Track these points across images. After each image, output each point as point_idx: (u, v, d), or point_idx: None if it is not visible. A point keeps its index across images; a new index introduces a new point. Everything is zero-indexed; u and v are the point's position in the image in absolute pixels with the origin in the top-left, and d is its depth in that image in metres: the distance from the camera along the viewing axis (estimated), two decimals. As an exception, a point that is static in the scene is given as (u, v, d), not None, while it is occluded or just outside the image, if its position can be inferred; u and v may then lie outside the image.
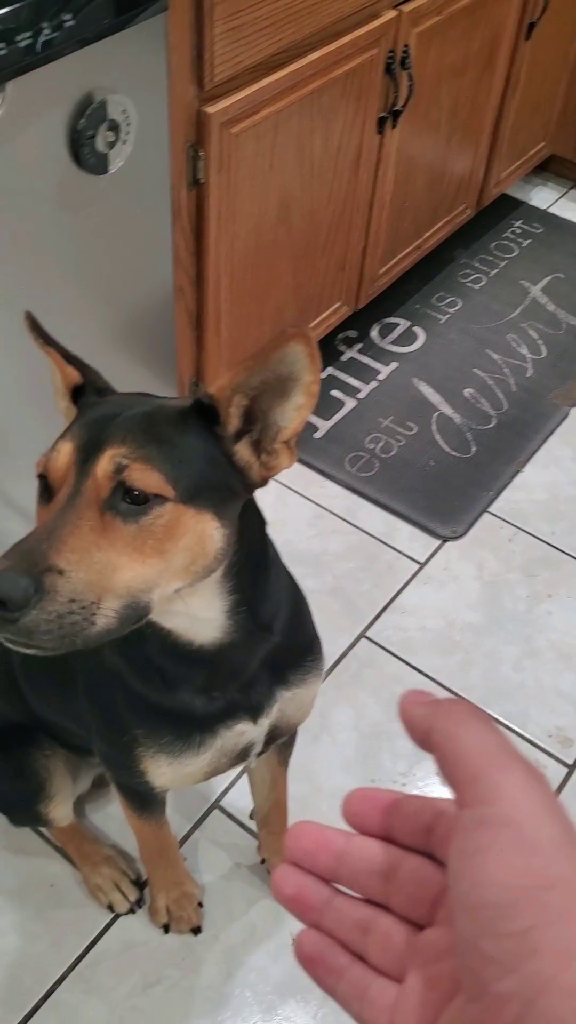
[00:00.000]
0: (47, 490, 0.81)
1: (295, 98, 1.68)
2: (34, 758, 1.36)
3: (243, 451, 0.85)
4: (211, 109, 1.52)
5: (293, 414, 0.83)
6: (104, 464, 0.77)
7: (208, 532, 0.82)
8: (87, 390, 0.90)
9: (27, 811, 1.41)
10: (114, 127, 1.34)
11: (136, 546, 0.77)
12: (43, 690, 1.28)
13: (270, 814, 1.44)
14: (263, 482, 0.87)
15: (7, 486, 1.55)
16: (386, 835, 0.42)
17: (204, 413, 0.83)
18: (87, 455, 0.78)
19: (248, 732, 1.06)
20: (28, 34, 1.13)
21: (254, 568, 0.94)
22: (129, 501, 0.77)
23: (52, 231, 1.38)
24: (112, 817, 1.58)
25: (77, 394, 0.90)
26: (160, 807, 1.27)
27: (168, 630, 0.94)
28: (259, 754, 1.15)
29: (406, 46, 1.92)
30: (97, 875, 1.48)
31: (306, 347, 0.78)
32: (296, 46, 1.64)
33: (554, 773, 1.69)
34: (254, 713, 1.05)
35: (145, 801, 1.23)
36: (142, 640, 0.96)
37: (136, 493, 0.77)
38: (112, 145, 1.36)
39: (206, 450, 0.83)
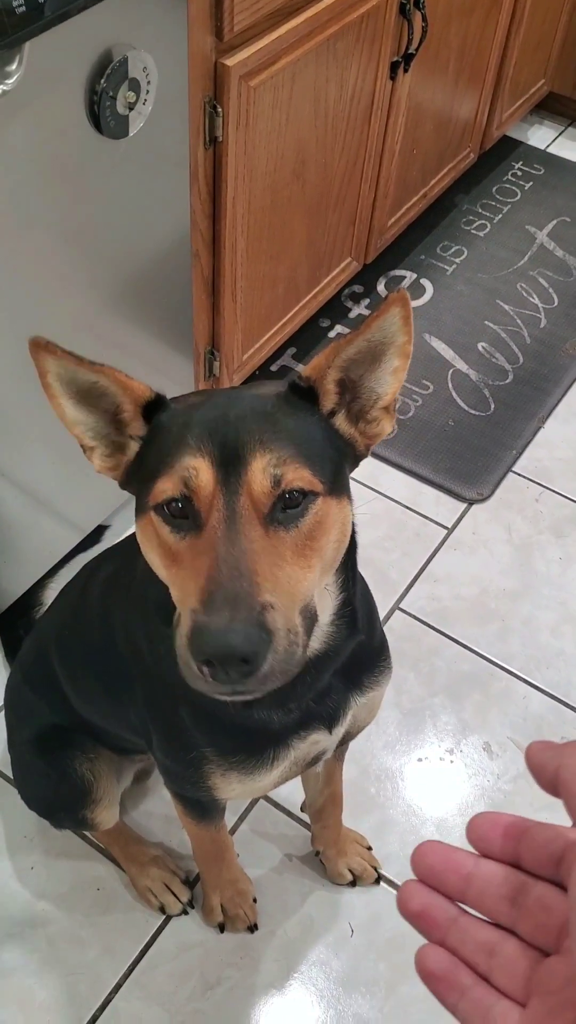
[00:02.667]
0: (182, 514, 0.74)
1: (312, 46, 1.57)
2: (78, 762, 1.29)
3: (343, 425, 0.83)
4: (230, 61, 1.41)
5: (390, 378, 0.81)
6: (260, 480, 0.72)
7: (347, 516, 0.80)
8: (162, 401, 0.82)
9: (72, 816, 1.34)
10: (135, 86, 1.23)
11: (300, 551, 0.74)
12: (90, 696, 1.21)
13: (324, 807, 1.39)
14: (367, 452, 0.85)
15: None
16: (513, 860, 0.42)
17: (301, 395, 0.80)
18: (228, 469, 0.73)
19: (322, 741, 1.01)
20: (47, -13, 1.02)
21: (349, 560, 0.90)
22: (285, 508, 0.74)
23: (70, 199, 1.28)
24: (155, 814, 1.53)
25: (149, 409, 0.81)
26: (220, 814, 1.22)
27: None
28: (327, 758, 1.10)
29: (419, -17, 1.80)
30: (146, 877, 1.43)
31: (403, 309, 0.77)
32: (312, -12, 1.53)
33: (599, 742, 1.65)
34: (330, 722, 0.99)
35: (206, 810, 1.18)
36: None
37: (294, 494, 0.74)
38: (132, 106, 1.25)
39: (323, 432, 0.80)
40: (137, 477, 0.82)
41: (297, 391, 0.80)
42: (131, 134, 1.28)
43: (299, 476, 0.74)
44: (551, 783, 0.41)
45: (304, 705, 0.96)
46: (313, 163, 1.77)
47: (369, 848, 1.48)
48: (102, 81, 1.18)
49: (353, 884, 1.46)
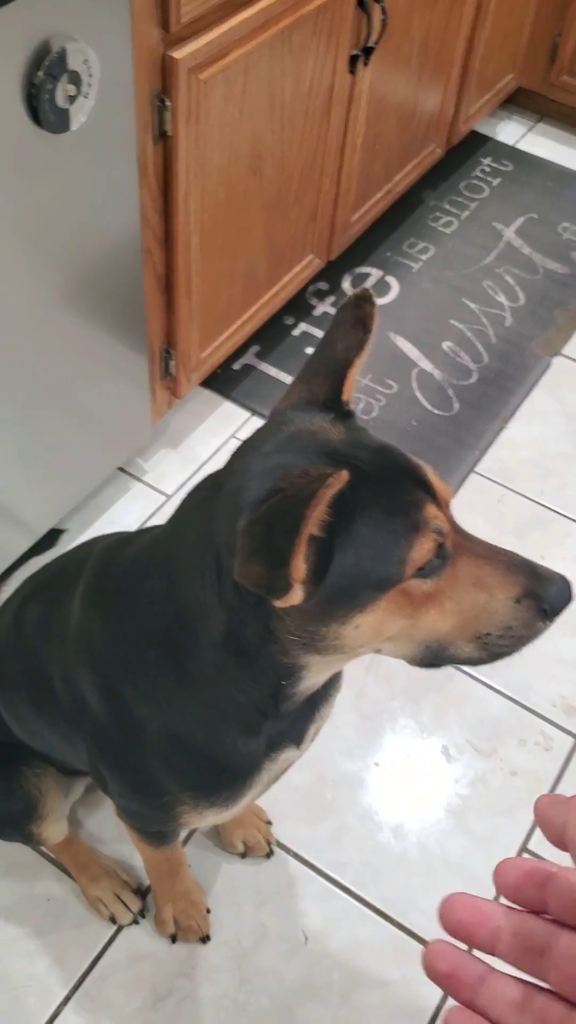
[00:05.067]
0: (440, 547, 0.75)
1: (266, 38, 1.54)
2: (24, 777, 1.26)
3: None
4: (178, 54, 1.37)
5: None
6: (442, 487, 0.78)
7: None
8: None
9: (19, 831, 1.31)
10: (75, 79, 1.20)
11: None
12: (34, 730, 1.18)
13: None
14: None
15: None
16: (539, 908, 0.41)
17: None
18: (432, 497, 0.76)
19: (291, 756, 1.01)
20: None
21: None
22: None
23: (11, 195, 1.24)
24: (107, 821, 1.50)
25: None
26: (177, 836, 1.19)
27: (310, 683, 0.86)
28: None
29: (378, -25, 1.78)
30: (96, 887, 1.40)
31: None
32: (265, -21, 1.50)
33: (561, 744, 1.64)
34: (298, 739, 0.99)
35: (165, 836, 1.16)
36: (257, 704, 0.87)
37: None
38: (73, 99, 1.22)
39: None
40: (337, 576, 0.71)
41: (342, 417, 0.79)
42: (73, 128, 1.25)
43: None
44: (559, 838, 0.41)
45: (277, 728, 0.95)
46: (270, 158, 1.75)
47: (269, 823, 1.48)
48: (39, 74, 1.15)
49: (243, 855, 1.45)
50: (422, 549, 0.71)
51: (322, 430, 0.76)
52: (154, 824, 1.03)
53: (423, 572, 0.73)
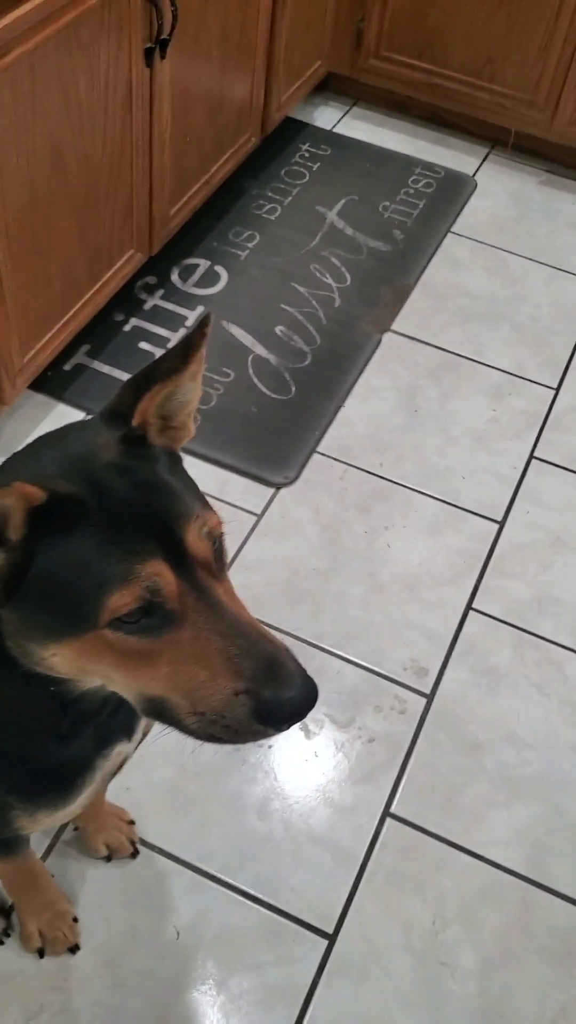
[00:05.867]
0: (150, 612, 0.70)
1: (49, 34, 1.52)
2: None
3: (157, 440, 0.79)
4: (-48, 53, 1.34)
5: (193, 385, 0.80)
6: (203, 547, 0.72)
7: None
8: (54, 499, 0.69)
9: None
10: None
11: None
12: None
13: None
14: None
15: None
16: None
17: (134, 442, 0.76)
18: (174, 554, 0.70)
19: (125, 749, 1.01)
20: None
21: None
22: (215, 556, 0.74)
23: None
24: (-35, 844, 1.46)
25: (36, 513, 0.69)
26: (25, 844, 1.17)
27: (102, 694, 0.85)
28: None
29: (163, -34, 1.77)
30: (-44, 911, 1.36)
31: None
32: (40, -26, 1.47)
33: (414, 706, 1.68)
34: (128, 732, 0.99)
35: (8, 846, 1.13)
36: (48, 712, 0.86)
37: (218, 544, 0.75)
38: None
39: (169, 462, 0.78)
40: (31, 594, 0.70)
41: (129, 439, 0.75)
42: None
43: (215, 520, 0.75)
44: None
45: (102, 723, 0.93)
46: (73, 156, 1.72)
47: (131, 823, 1.47)
48: None
49: (108, 859, 1.45)
50: (120, 601, 0.68)
51: (101, 447, 0.74)
52: None
53: (132, 628, 0.70)
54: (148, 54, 1.83)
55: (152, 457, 0.76)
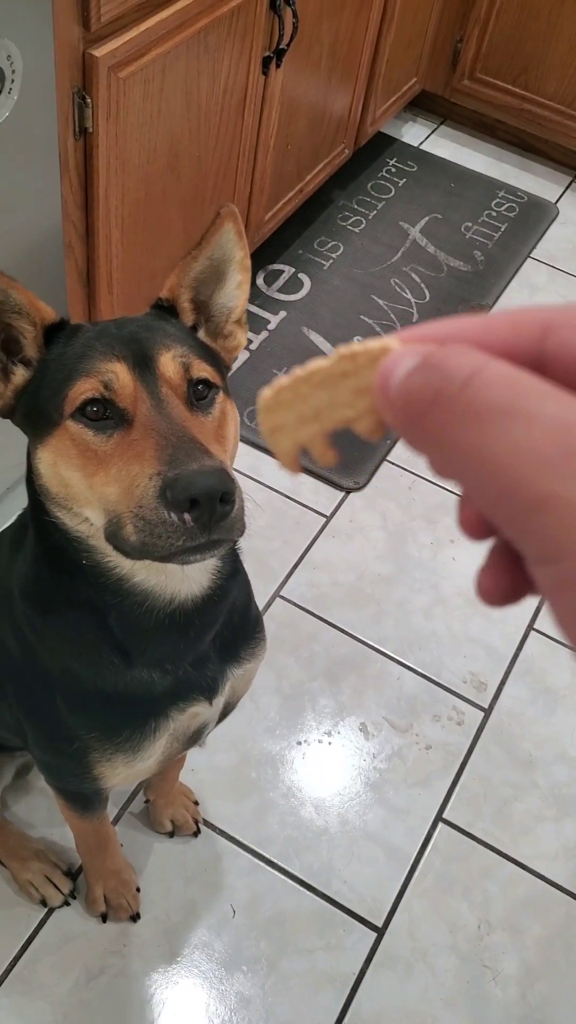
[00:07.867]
0: (103, 416, 0.79)
1: (182, 38, 1.58)
2: (-47, 760, 1.28)
3: (206, 339, 0.91)
4: (98, 52, 1.40)
5: (237, 292, 0.91)
6: (173, 367, 0.80)
7: (238, 419, 0.88)
8: (63, 325, 0.85)
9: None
10: (-1, 75, 1.22)
11: (215, 436, 0.82)
12: None
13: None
14: (231, 365, 0.94)
15: None
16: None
17: (166, 313, 0.89)
18: (142, 366, 0.79)
19: (203, 714, 1.03)
20: None
21: None
22: (197, 397, 0.81)
23: None
24: (37, 807, 1.52)
25: (49, 333, 0.85)
26: (103, 805, 1.22)
27: (147, 590, 0.88)
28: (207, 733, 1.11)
29: (289, -20, 1.83)
30: (27, 871, 1.42)
31: (235, 224, 0.87)
32: (181, -19, 1.53)
33: (472, 718, 1.73)
34: (210, 693, 1.00)
35: (89, 802, 1.18)
36: (102, 614, 0.90)
37: (201, 387, 0.82)
38: (-3, 94, 1.24)
39: (198, 341, 0.89)
40: (32, 402, 0.84)
41: (161, 309, 0.89)
42: (-3, 123, 1.27)
43: (203, 368, 0.82)
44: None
45: (182, 670, 0.96)
46: (187, 156, 1.78)
47: (196, 802, 1.53)
48: (-35, 69, 1.17)
49: (171, 835, 1.50)
50: (78, 389, 0.78)
51: (139, 313, 0.89)
52: (71, 778, 1.05)
53: (91, 424, 0.78)
54: (265, 62, 1.89)
55: (172, 322, 0.88)
